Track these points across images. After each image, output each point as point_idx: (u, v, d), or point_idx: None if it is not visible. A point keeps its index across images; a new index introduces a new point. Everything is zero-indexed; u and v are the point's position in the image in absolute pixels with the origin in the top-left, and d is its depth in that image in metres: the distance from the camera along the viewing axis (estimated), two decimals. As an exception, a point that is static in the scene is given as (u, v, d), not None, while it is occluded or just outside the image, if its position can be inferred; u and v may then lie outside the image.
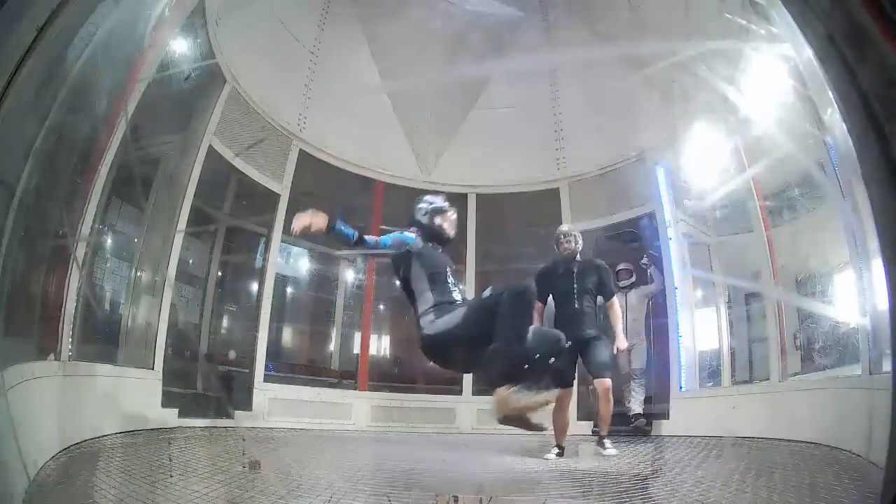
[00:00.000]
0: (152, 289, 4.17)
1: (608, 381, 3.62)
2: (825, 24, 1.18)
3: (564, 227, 3.97)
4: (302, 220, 2.51)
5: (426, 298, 2.58)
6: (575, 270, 3.75)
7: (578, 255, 3.82)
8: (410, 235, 2.72)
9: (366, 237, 2.64)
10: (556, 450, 3.63)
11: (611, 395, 3.65)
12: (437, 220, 2.78)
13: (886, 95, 1.08)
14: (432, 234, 2.77)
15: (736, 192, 4.48)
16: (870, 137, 1.11)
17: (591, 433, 5.04)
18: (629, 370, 4.88)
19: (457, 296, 2.62)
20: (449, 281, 2.64)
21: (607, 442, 3.72)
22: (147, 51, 3.21)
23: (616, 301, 3.83)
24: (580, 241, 3.85)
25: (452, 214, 2.83)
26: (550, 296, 3.81)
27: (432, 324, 2.51)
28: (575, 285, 3.71)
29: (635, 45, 4.84)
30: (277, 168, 5.33)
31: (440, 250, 2.77)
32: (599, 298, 3.81)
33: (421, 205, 2.84)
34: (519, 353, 2.32)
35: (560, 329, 3.54)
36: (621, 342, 3.77)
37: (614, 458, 3.57)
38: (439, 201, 2.84)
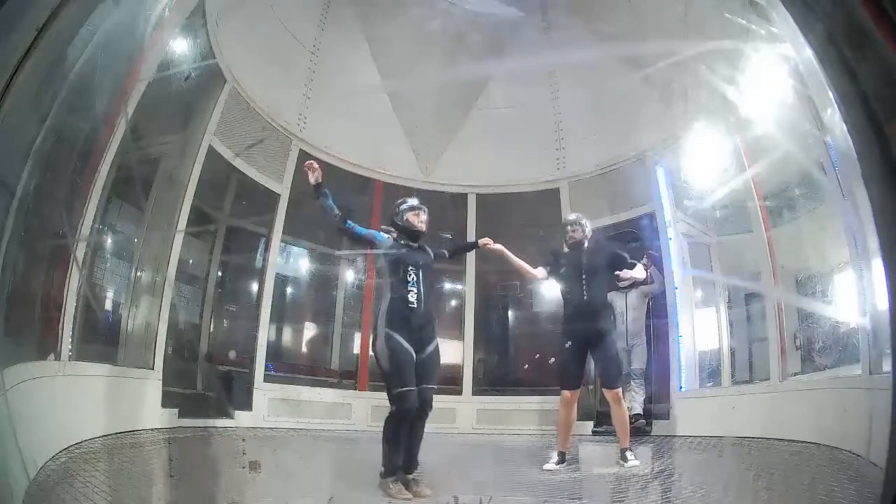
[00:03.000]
0: (152, 289, 4.16)
1: (618, 390, 3.48)
2: (825, 24, 1.18)
3: (571, 216, 3.82)
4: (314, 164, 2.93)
5: (385, 292, 2.96)
6: (584, 258, 3.59)
7: (587, 243, 3.66)
8: (383, 235, 3.04)
9: (348, 220, 2.97)
10: (556, 457, 3.48)
11: (622, 401, 3.52)
12: (406, 216, 3.06)
13: (886, 95, 1.08)
14: (403, 230, 3.05)
15: (736, 192, 4.47)
16: (869, 137, 1.11)
17: (591, 433, 5.04)
18: (629, 370, 4.87)
19: (412, 297, 2.91)
20: (409, 279, 2.92)
21: (629, 454, 3.40)
22: (147, 51, 3.21)
23: (640, 265, 3.65)
24: (588, 229, 3.68)
25: (422, 212, 3.10)
26: (560, 282, 3.67)
27: (379, 338, 2.89)
28: (584, 275, 3.52)
29: (635, 45, 4.83)
30: (277, 168, 5.33)
31: (414, 248, 3.05)
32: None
33: (396, 207, 3.14)
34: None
35: (569, 322, 3.61)
36: (638, 272, 3.59)
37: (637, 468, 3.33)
38: (411, 201, 3.14)
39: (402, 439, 2.81)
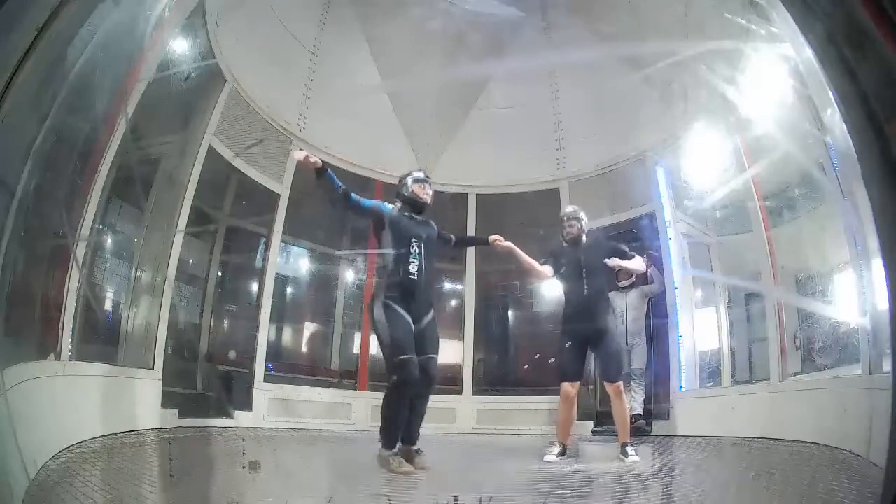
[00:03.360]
0: (152, 289, 4.16)
1: (619, 383, 3.50)
2: (825, 24, 1.18)
3: (568, 209, 3.82)
4: (304, 153, 2.85)
5: (386, 265, 2.96)
6: (581, 253, 3.61)
7: (584, 237, 3.68)
8: (388, 205, 3.05)
9: (352, 194, 2.94)
10: (557, 448, 3.49)
11: (623, 395, 3.54)
12: (412, 188, 3.08)
13: (886, 95, 1.08)
14: (408, 200, 3.07)
15: (736, 192, 4.47)
16: (869, 137, 1.11)
17: (591, 433, 5.04)
18: (629, 370, 4.87)
19: (412, 269, 2.91)
20: (411, 251, 2.93)
21: (629, 449, 3.39)
22: (147, 51, 3.21)
23: (639, 257, 3.67)
24: (585, 222, 3.70)
25: (427, 185, 3.13)
26: (560, 278, 3.66)
27: (377, 307, 2.88)
28: (584, 269, 3.54)
29: (635, 45, 4.83)
30: (277, 168, 5.33)
31: (419, 220, 3.06)
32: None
33: (402, 179, 3.16)
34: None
35: (570, 319, 3.61)
36: (636, 263, 3.61)
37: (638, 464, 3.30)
38: (416, 173, 3.16)
39: (402, 413, 2.76)
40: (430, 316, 2.95)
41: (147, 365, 3.96)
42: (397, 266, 2.91)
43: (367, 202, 3.00)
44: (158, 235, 4.17)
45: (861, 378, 2.86)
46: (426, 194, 3.08)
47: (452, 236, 3.39)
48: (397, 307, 2.84)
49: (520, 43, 5.63)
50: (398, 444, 2.78)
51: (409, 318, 2.85)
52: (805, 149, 3.20)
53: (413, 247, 2.93)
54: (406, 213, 3.04)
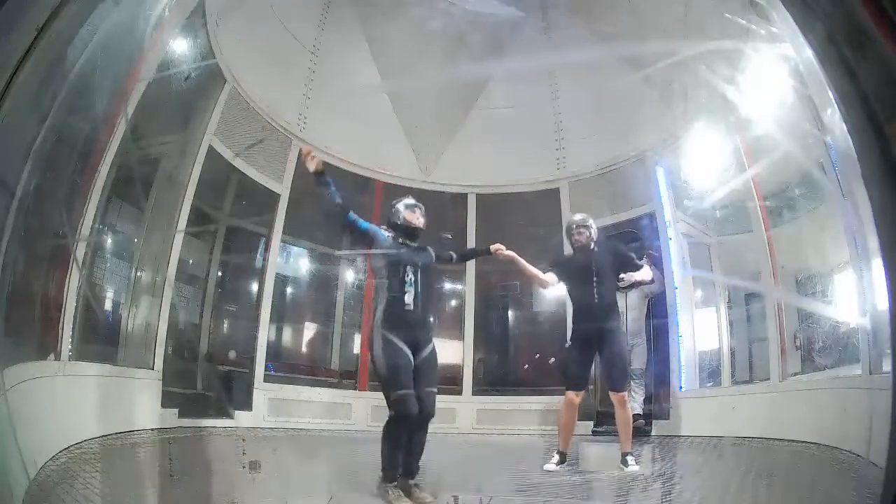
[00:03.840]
0: (152, 289, 4.16)
1: (624, 393, 3.47)
2: (825, 24, 1.18)
3: (577, 217, 3.75)
4: (310, 152, 2.82)
5: (382, 293, 2.90)
6: (592, 259, 3.56)
7: (594, 245, 3.63)
8: (384, 233, 2.97)
9: (350, 213, 2.88)
10: (557, 457, 3.46)
11: (627, 405, 3.52)
12: (404, 214, 3.00)
13: (886, 95, 1.09)
14: (401, 228, 2.99)
15: (736, 192, 4.47)
16: (869, 137, 1.11)
17: (591, 433, 5.04)
18: (629, 370, 4.86)
19: (408, 299, 2.83)
20: (406, 280, 2.85)
21: (630, 459, 3.35)
22: (147, 51, 3.21)
23: (646, 266, 3.65)
24: (594, 231, 3.66)
25: (419, 209, 3.04)
26: (568, 287, 3.64)
27: (376, 341, 2.82)
28: (595, 276, 3.50)
29: (635, 45, 4.83)
30: (277, 168, 5.33)
31: (414, 248, 2.99)
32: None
33: (392, 206, 3.07)
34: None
35: (580, 324, 3.59)
36: (644, 273, 3.59)
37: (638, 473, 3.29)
38: (406, 199, 3.08)
39: (401, 446, 2.73)
40: (429, 347, 2.88)
41: (147, 365, 3.96)
42: (393, 297, 2.84)
43: (363, 224, 2.92)
44: (158, 235, 4.17)
45: (861, 378, 2.86)
46: (418, 220, 2.99)
47: (452, 253, 3.31)
48: (395, 340, 2.78)
49: (520, 43, 5.63)
50: (398, 477, 2.74)
51: (407, 350, 2.78)
52: (805, 149, 3.20)
53: (408, 276, 2.86)
54: (400, 241, 2.96)
